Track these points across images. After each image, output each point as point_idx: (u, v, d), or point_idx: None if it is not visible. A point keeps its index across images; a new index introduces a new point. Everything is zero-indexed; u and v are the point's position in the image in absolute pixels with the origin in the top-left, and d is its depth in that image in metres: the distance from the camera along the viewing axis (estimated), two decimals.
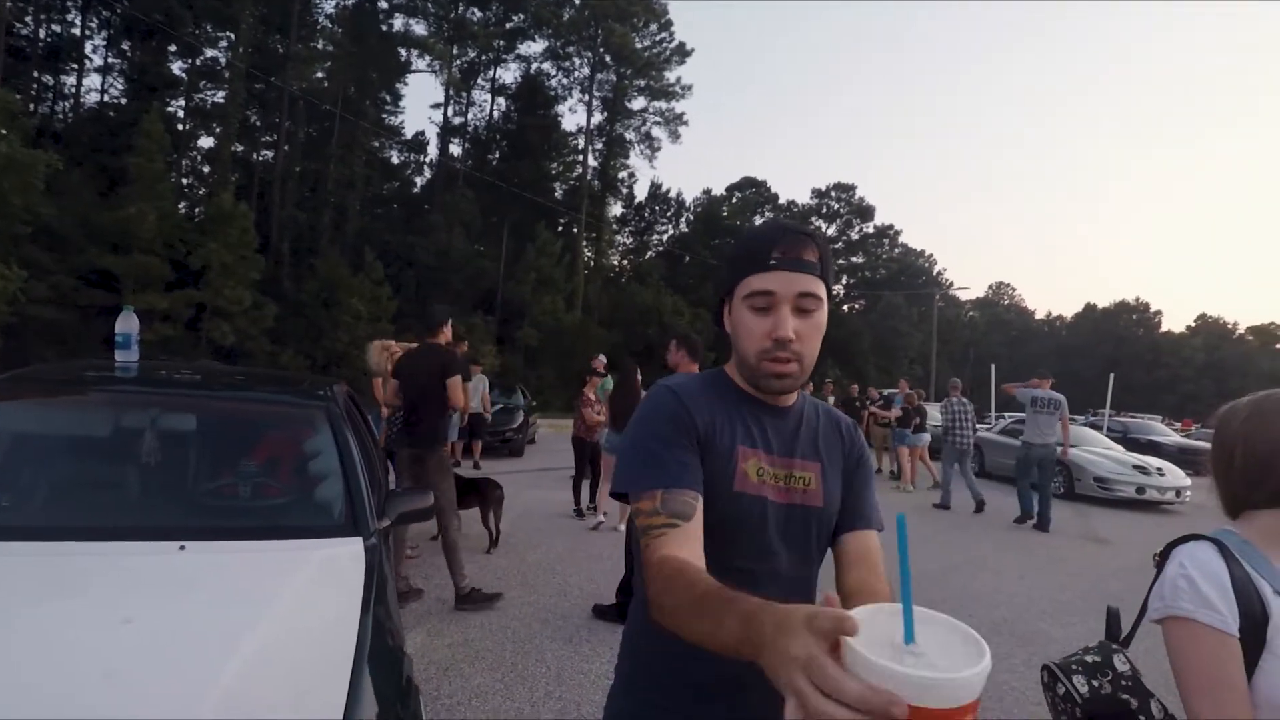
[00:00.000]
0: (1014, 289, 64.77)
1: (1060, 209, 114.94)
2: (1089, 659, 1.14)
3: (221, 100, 28.67)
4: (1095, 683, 1.11)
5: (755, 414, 1.10)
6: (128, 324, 3.25)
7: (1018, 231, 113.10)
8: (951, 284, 52.76)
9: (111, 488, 2.23)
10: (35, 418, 2.52)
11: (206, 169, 30.51)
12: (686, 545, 0.92)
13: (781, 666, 0.55)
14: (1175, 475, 10.93)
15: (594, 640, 3.93)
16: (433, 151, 38.66)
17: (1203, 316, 60.44)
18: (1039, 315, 60.75)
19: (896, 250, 51.88)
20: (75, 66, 27.79)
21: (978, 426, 10.62)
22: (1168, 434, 17.85)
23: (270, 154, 31.35)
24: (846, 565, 1.10)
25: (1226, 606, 0.97)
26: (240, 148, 30.46)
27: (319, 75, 33.02)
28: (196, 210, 26.86)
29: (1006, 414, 22.43)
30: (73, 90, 28.55)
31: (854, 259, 50.48)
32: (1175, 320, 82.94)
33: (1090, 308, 59.78)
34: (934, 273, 53.88)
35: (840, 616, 0.53)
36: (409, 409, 4.48)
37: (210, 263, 21.18)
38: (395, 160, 38.39)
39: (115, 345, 3.18)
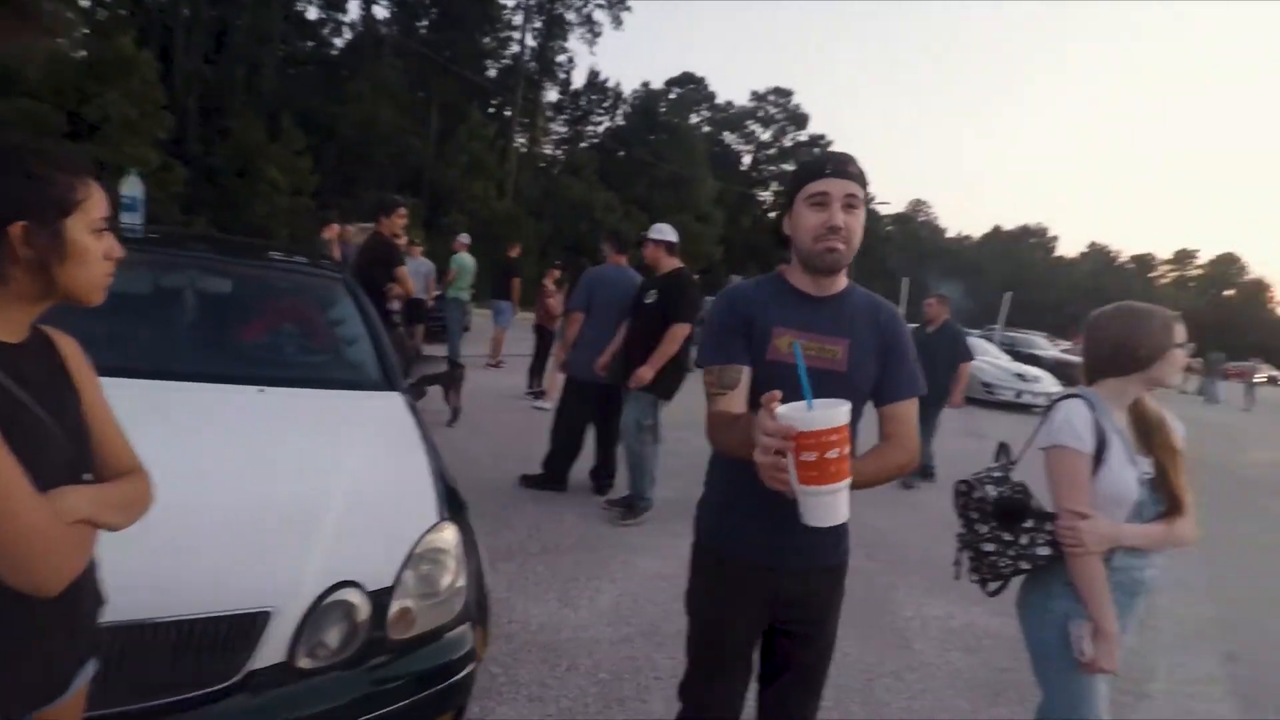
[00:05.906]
0: (930, 207, 66.91)
1: (981, 130, 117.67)
2: (994, 474, 1.68)
3: None
4: (1002, 489, 1.63)
5: (798, 303, 1.49)
6: (134, 187, 3.40)
7: (939, 149, 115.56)
8: (874, 198, 53.98)
9: (182, 340, 2.53)
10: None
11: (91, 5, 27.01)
12: (731, 403, 1.45)
13: (751, 430, 1.14)
14: (1049, 383, 12.49)
15: (559, 502, 4.55)
16: (354, 11, 35.63)
17: (1093, 244, 64.94)
18: (950, 234, 63.33)
19: None
20: None
21: None
22: (1048, 348, 19.75)
23: None
24: (881, 432, 1.51)
25: (1089, 436, 1.55)
26: None
27: None
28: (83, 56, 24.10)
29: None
30: None
31: (785, 166, 50.72)
32: (1070, 245, 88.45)
33: (997, 229, 62.87)
34: None
35: (774, 409, 1.09)
36: None
37: (109, 115, 19.35)
38: (311, 16, 35.18)
39: (122, 208, 3.33)
